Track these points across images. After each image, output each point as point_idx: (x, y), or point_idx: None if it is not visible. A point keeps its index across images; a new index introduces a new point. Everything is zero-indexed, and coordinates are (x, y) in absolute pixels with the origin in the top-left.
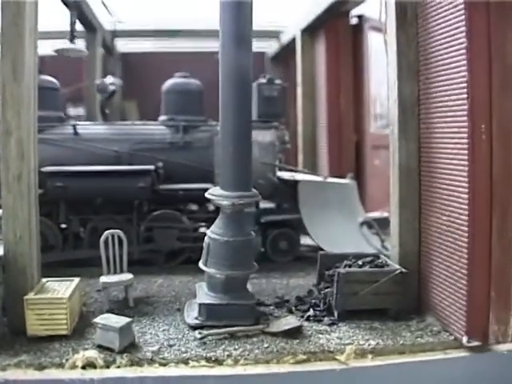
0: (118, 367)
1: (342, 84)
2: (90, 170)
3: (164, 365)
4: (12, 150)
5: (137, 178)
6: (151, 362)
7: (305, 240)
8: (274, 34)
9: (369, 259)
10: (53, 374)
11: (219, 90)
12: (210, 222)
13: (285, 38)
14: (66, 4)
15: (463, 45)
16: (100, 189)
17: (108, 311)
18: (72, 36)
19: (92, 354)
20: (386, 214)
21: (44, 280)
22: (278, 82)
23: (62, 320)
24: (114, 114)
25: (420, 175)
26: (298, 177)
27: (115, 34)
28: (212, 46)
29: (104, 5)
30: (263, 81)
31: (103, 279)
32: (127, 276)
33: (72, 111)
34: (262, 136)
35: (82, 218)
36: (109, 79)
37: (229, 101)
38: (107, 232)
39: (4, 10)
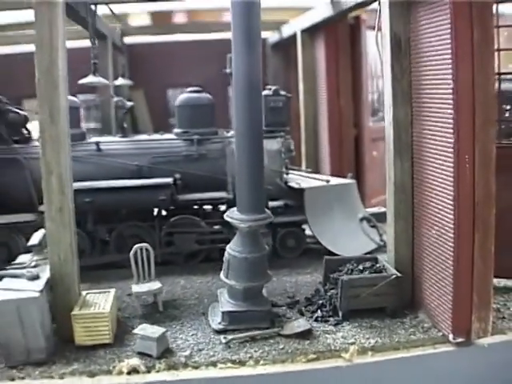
0: (158, 372)
1: (341, 81)
2: (115, 186)
3: (196, 368)
4: (54, 186)
5: (157, 191)
6: (185, 365)
7: (308, 231)
8: (274, 26)
9: (368, 264)
10: (103, 380)
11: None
12: (223, 224)
13: (285, 32)
14: (82, 25)
15: (450, 86)
16: (124, 202)
17: (141, 316)
18: (95, 68)
19: (135, 361)
20: (383, 209)
21: (84, 293)
22: (282, 93)
23: (104, 331)
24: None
25: (413, 191)
26: (304, 184)
27: (123, 33)
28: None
29: (113, 13)
30: (269, 92)
31: (135, 288)
32: (156, 285)
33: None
34: (270, 144)
35: (108, 226)
36: (120, 81)
37: (242, 142)
38: (136, 246)
39: (39, 61)
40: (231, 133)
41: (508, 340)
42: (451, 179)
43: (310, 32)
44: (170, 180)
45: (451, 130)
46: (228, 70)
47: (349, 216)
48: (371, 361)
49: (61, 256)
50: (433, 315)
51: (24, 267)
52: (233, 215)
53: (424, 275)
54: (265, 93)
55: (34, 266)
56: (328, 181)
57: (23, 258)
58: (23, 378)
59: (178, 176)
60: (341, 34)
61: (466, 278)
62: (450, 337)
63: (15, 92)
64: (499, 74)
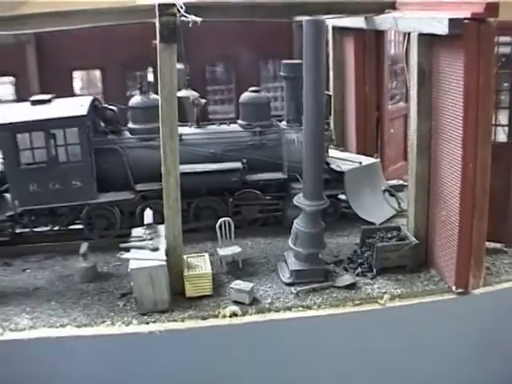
0: (250, 315)
1: (367, 72)
2: (198, 171)
3: (277, 311)
4: (171, 183)
5: (230, 174)
6: (269, 310)
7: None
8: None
9: (395, 233)
10: (213, 321)
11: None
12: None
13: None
14: None
15: (461, 113)
16: (204, 182)
17: (226, 273)
18: (188, 84)
19: (234, 308)
20: (401, 182)
21: (185, 257)
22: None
23: (207, 286)
24: None
25: (429, 181)
26: (343, 166)
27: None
28: None
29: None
30: None
31: (221, 252)
32: (237, 249)
33: None
34: None
35: (187, 200)
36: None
37: (309, 146)
38: (221, 220)
39: (163, 94)
40: (283, 123)
41: (494, 290)
42: (459, 177)
43: (341, 30)
44: (239, 164)
45: (460, 144)
46: (282, 74)
47: (375, 189)
48: (398, 305)
49: (174, 232)
50: (441, 272)
51: (143, 240)
52: (300, 200)
53: (435, 242)
54: None
55: (151, 239)
56: (361, 162)
57: (137, 232)
58: (154, 322)
59: (244, 161)
60: (368, 36)
61: (465, 246)
62: (454, 288)
63: (66, 64)
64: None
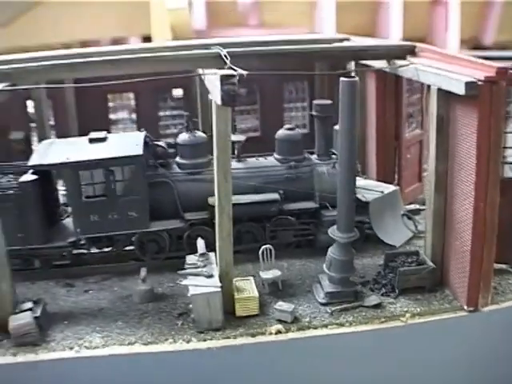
0: (293, 332)
1: (387, 105)
2: (243, 202)
3: (315, 328)
4: (225, 220)
5: (270, 204)
6: (308, 327)
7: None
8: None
9: (414, 258)
10: (260, 338)
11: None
12: (310, 223)
13: None
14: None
15: (474, 156)
16: (247, 212)
17: (268, 293)
18: (235, 130)
19: (278, 326)
20: (417, 206)
21: (233, 280)
22: None
23: (255, 306)
24: None
25: (445, 213)
26: (367, 195)
27: None
28: None
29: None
30: None
31: (263, 275)
32: (277, 272)
33: None
34: None
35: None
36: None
37: (343, 189)
38: (263, 247)
39: (218, 141)
40: (314, 157)
41: (501, 308)
42: (471, 213)
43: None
44: (277, 196)
45: (473, 187)
46: (314, 113)
47: (395, 214)
48: (418, 321)
49: (226, 261)
50: (455, 292)
51: (197, 267)
52: (334, 233)
53: (450, 267)
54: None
55: (204, 266)
56: (383, 191)
57: (191, 259)
58: (211, 339)
59: (281, 192)
60: (388, 76)
61: (476, 271)
62: (465, 307)
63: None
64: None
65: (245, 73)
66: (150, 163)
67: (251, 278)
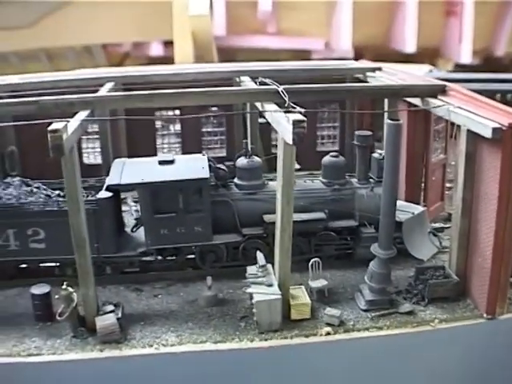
0: (340, 334)
1: (417, 135)
2: (294, 220)
3: (358, 331)
4: (286, 238)
5: (317, 222)
6: (352, 330)
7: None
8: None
9: (441, 272)
10: (313, 339)
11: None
12: (350, 239)
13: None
14: None
15: (496, 192)
16: (297, 228)
17: (315, 300)
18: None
19: (328, 328)
20: (442, 225)
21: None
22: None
23: (307, 311)
24: None
25: (469, 235)
26: (401, 216)
27: None
28: None
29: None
30: (380, 157)
31: (312, 284)
32: (324, 282)
33: None
34: None
35: None
36: None
37: (385, 213)
38: (312, 260)
39: (284, 173)
40: (355, 180)
41: None
42: (492, 237)
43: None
44: (324, 215)
45: (494, 215)
46: (356, 142)
47: (422, 232)
48: (445, 327)
49: (285, 273)
50: (475, 302)
51: (258, 277)
52: (376, 250)
53: (472, 280)
54: (376, 156)
55: (264, 276)
56: (413, 212)
57: (252, 270)
58: (271, 339)
59: (326, 211)
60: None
61: (494, 285)
62: (485, 315)
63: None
64: None
65: (302, 116)
66: (213, 184)
67: (302, 286)
